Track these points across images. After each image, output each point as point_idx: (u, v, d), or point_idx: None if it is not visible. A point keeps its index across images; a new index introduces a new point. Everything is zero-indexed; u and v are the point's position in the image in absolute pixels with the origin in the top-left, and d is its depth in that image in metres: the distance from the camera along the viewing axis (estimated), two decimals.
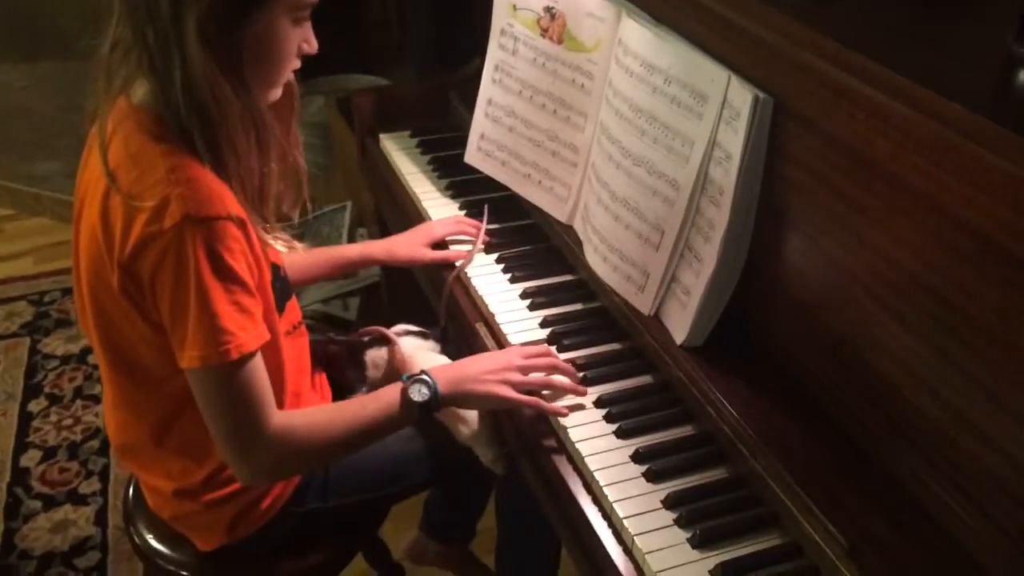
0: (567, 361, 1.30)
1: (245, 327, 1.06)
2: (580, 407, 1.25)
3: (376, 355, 1.47)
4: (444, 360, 1.42)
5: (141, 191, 1.04)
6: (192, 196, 1.02)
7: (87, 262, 1.14)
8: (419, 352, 1.44)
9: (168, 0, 1.00)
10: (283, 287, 1.25)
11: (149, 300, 1.07)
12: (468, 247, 1.57)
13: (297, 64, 1.16)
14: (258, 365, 1.10)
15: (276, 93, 1.16)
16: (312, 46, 1.15)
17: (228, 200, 1.06)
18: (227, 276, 1.05)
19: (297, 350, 1.33)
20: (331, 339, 1.48)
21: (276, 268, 1.24)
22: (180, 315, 1.05)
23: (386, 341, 1.47)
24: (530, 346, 1.31)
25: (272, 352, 1.16)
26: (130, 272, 1.06)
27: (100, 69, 1.08)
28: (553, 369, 1.27)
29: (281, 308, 1.25)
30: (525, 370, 1.25)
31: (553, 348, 1.33)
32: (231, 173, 1.08)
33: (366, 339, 1.48)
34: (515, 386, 1.23)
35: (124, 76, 1.08)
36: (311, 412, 1.24)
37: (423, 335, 1.49)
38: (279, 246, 1.17)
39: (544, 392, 1.26)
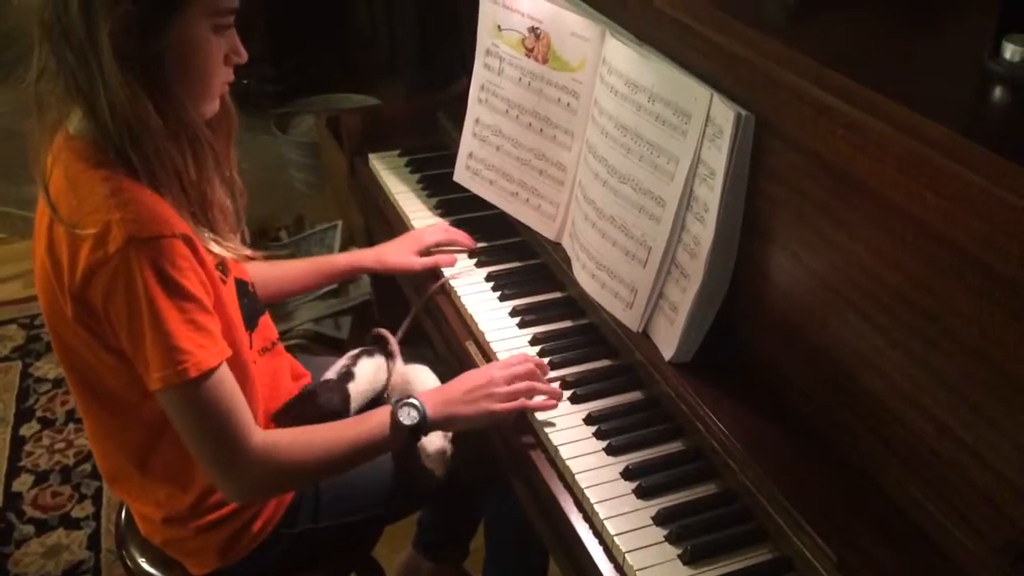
0: (557, 379, 1.32)
1: (202, 344, 1.06)
2: (570, 424, 1.25)
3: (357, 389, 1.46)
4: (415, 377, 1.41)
5: (83, 218, 1.03)
6: (134, 218, 1.02)
7: (42, 296, 1.14)
8: (366, 371, 1.44)
9: (81, 19, 1.00)
10: (251, 304, 1.25)
11: (106, 327, 1.07)
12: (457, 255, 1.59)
13: (229, 75, 1.14)
14: (225, 381, 1.08)
15: (213, 106, 1.15)
16: (241, 56, 1.14)
17: (172, 218, 1.05)
18: (178, 294, 1.04)
19: (272, 369, 1.32)
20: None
21: (243, 284, 1.24)
22: (138, 339, 1.04)
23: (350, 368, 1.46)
24: (507, 358, 1.33)
25: (238, 369, 1.15)
26: (82, 301, 1.06)
27: (30, 99, 1.07)
28: (533, 377, 1.29)
29: (252, 325, 1.25)
30: (508, 380, 1.26)
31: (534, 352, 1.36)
32: (167, 186, 1.07)
33: (343, 371, 1.46)
34: (500, 399, 1.24)
35: (55, 105, 1.07)
36: (296, 431, 1.24)
37: (368, 352, 1.47)
38: (228, 254, 1.16)
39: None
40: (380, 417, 1.21)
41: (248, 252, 1.20)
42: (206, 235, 1.12)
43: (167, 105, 1.06)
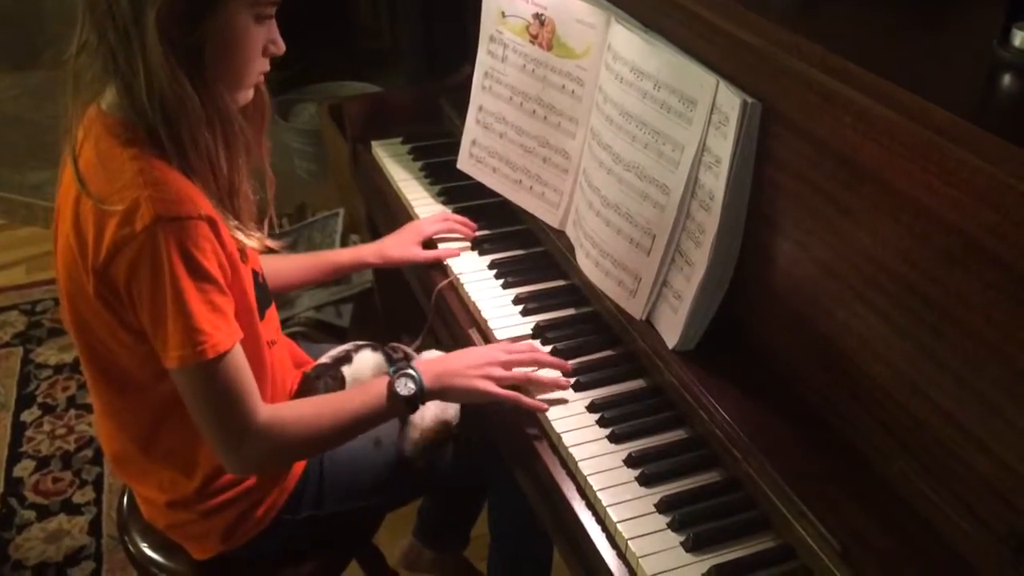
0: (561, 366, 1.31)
1: (219, 326, 1.07)
2: (573, 412, 1.25)
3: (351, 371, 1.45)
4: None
5: (111, 195, 1.04)
6: (162, 197, 1.03)
7: (63, 271, 1.14)
8: (364, 363, 1.44)
9: (129, 1, 1.00)
10: (261, 294, 1.25)
11: (126, 305, 1.08)
12: (459, 245, 1.59)
13: (265, 66, 1.15)
14: (238, 361, 1.10)
15: (247, 95, 1.16)
16: (279, 47, 1.15)
17: (198, 200, 1.06)
18: (200, 275, 1.05)
19: (275, 361, 1.31)
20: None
21: (255, 274, 1.24)
22: (159, 316, 1.05)
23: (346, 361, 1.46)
24: (515, 344, 1.34)
25: (253, 350, 1.16)
26: (104, 277, 1.06)
27: (68, 74, 1.08)
28: (535, 363, 1.29)
29: (260, 315, 1.25)
30: (508, 365, 1.27)
31: (537, 343, 1.36)
32: (197, 171, 1.08)
33: (341, 354, 1.46)
34: (497, 381, 1.25)
35: (91, 81, 1.08)
36: (298, 405, 1.24)
37: (372, 347, 1.48)
38: (252, 243, 1.17)
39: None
40: (378, 388, 1.22)
41: (270, 242, 1.21)
42: (231, 223, 1.12)
43: (204, 90, 1.06)
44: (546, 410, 1.24)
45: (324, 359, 1.42)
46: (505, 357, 1.28)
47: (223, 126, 1.09)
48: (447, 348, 1.53)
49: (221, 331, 1.07)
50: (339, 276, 1.67)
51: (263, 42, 1.12)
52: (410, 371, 1.23)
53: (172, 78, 1.03)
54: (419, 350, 1.50)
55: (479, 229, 1.63)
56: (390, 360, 1.46)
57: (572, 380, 1.30)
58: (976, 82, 0.98)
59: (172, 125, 1.05)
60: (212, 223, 1.07)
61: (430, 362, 1.28)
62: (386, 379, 1.23)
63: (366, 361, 1.42)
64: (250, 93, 1.16)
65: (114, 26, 1.02)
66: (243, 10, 1.07)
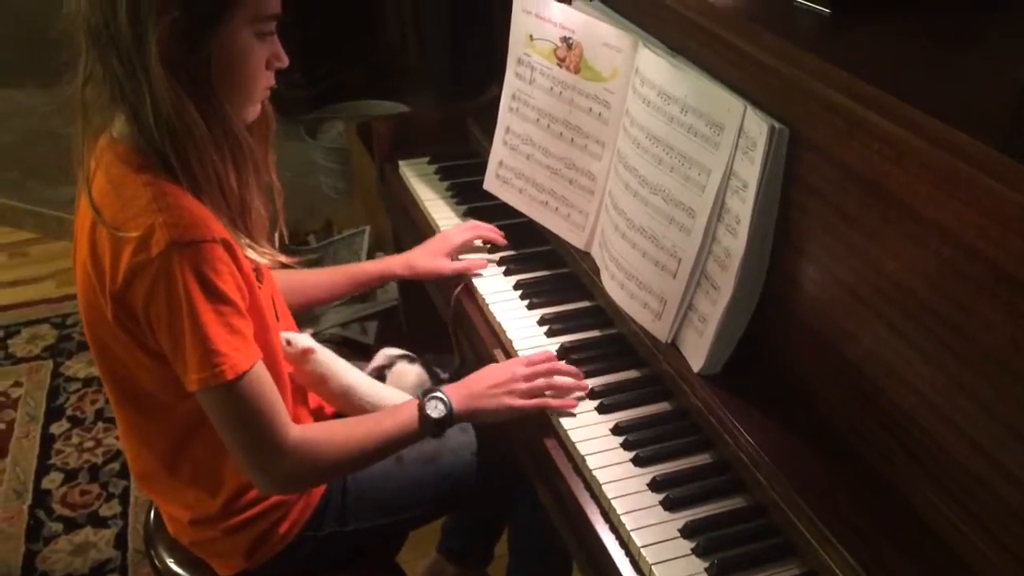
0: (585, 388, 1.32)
1: (237, 347, 1.08)
2: (598, 434, 1.25)
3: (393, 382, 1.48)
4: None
5: (126, 221, 1.05)
6: (176, 222, 1.04)
7: (82, 296, 1.16)
8: (404, 377, 1.47)
9: (130, 27, 1.02)
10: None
11: (145, 329, 1.09)
12: (487, 256, 1.61)
13: (271, 80, 1.16)
14: (262, 381, 1.11)
15: (254, 111, 1.17)
16: (283, 60, 1.15)
17: (212, 223, 1.07)
18: (217, 298, 1.06)
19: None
20: None
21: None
22: (178, 341, 1.06)
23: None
24: (530, 355, 1.36)
25: (273, 370, 1.17)
26: (122, 303, 1.07)
27: (76, 107, 1.09)
28: (554, 372, 1.31)
29: None
30: (529, 377, 1.29)
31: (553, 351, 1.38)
32: (209, 194, 1.09)
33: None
34: (522, 395, 1.27)
35: (100, 111, 1.09)
36: (329, 425, 1.25)
37: (409, 358, 1.50)
38: (264, 260, 1.17)
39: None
40: (408, 410, 1.24)
41: (284, 258, 1.22)
42: (243, 241, 1.13)
43: (210, 111, 1.07)
44: (574, 407, 1.28)
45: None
46: (525, 370, 1.30)
47: (231, 146, 1.10)
48: (472, 369, 1.53)
49: (240, 352, 1.08)
50: (366, 289, 1.68)
51: (266, 57, 1.13)
52: (439, 394, 1.25)
53: (177, 102, 1.04)
54: (461, 368, 1.52)
55: (504, 250, 1.64)
56: (429, 372, 1.48)
57: (596, 403, 1.30)
58: (1004, 109, 0.98)
59: (180, 148, 1.06)
60: (227, 246, 1.08)
61: (455, 386, 1.29)
62: (415, 401, 1.24)
63: (405, 375, 1.44)
64: (258, 109, 1.17)
65: (117, 55, 1.04)
66: (243, 28, 1.07)
